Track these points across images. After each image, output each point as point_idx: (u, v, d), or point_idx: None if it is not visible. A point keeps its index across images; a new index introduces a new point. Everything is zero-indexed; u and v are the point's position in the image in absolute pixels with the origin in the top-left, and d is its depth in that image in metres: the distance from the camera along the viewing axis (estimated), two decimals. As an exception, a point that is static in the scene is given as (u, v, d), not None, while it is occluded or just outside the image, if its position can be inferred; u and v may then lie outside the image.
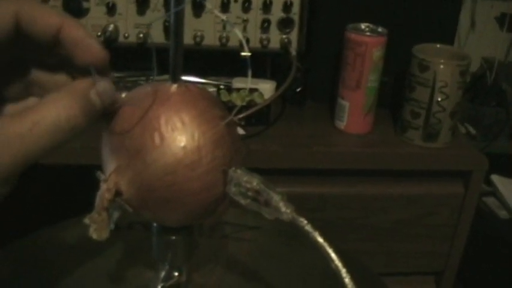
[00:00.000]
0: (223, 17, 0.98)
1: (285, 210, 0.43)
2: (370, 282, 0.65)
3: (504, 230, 1.23)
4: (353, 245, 1.01)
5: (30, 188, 1.13)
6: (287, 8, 1.00)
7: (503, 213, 1.26)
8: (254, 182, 0.44)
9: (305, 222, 0.43)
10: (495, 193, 1.30)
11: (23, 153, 0.38)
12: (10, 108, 0.45)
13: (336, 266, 0.42)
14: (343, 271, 0.42)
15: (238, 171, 0.44)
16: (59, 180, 1.06)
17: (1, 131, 0.38)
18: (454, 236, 1.04)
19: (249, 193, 0.44)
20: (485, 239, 1.25)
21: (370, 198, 1.00)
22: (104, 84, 0.42)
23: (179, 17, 0.43)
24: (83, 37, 0.42)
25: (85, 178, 0.63)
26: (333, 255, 0.42)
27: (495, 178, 1.31)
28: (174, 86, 0.45)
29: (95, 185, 0.44)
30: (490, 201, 1.29)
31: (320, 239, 0.43)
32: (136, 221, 0.65)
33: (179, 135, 0.42)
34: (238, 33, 0.99)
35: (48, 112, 0.39)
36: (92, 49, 0.42)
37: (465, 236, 1.04)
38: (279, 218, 0.43)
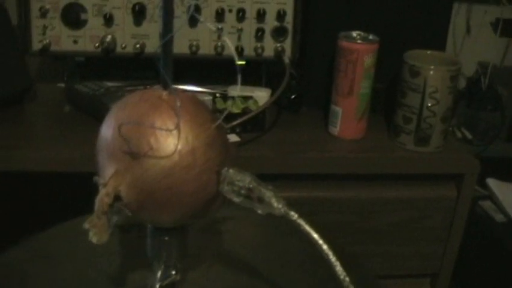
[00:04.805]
0: (213, 27, 1.00)
1: (277, 205, 0.45)
2: (367, 284, 0.67)
3: (500, 233, 1.24)
4: (348, 249, 1.03)
5: (34, 195, 1.15)
6: (280, 17, 1.02)
7: (499, 217, 1.27)
8: (247, 180, 0.46)
9: (296, 215, 0.45)
10: (491, 197, 1.31)
11: None
12: None
13: (326, 255, 0.44)
14: (333, 259, 0.44)
15: (231, 170, 0.46)
16: (59, 188, 1.08)
17: None
18: (448, 239, 1.05)
19: (242, 191, 0.46)
20: (481, 242, 1.26)
21: (364, 202, 1.01)
22: None
23: (168, 26, 0.46)
24: None
25: (85, 186, 0.65)
26: (324, 246, 0.44)
27: (491, 182, 1.33)
28: (165, 93, 0.47)
29: (94, 192, 0.46)
30: (486, 204, 1.30)
31: (311, 230, 0.45)
32: (132, 223, 0.66)
33: (174, 139, 0.44)
34: (228, 42, 1.01)
35: None
36: None
37: (459, 238, 1.06)
38: (271, 212, 0.46)
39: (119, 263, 0.64)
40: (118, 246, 0.66)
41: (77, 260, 0.65)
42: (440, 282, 1.09)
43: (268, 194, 0.46)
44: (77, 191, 0.91)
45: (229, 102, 0.99)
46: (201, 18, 0.99)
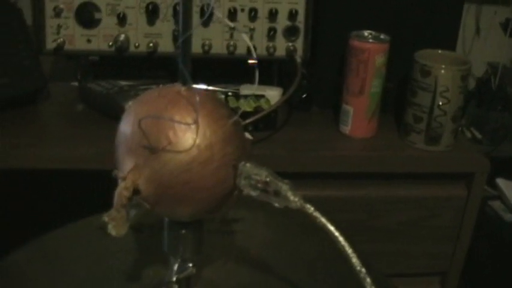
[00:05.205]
0: (231, 24, 1.01)
1: (294, 198, 0.46)
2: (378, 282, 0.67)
3: (509, 233, 1.24)
4: (358, 247, 1.03)
5: (50, 191, 1.16)
6: (292, 16, 1.03)
7: (508, 216, 1.27)
8: (263, 174, 0.47)
9: (312, 208, 0.46)
10: (501, 196, 1.32)
11: None
12: None
13: (343, 247, 0.45)
14: (350, 251, 0.45)
15: (248, 165, 0.47)
16: (73, 185, 1.09)
17: None
18: (458, 238, 1.06)
19: (259, 185, 0.47)
20: (490, 241, 1.27)
21: (375, 200, 1.02)
22: None
23: (187, 24, 0.47)
24: None
25: (99, 182, 0.66)
26: (340, 238, 0.45)
27: (500, 182, 1.33)
28: (183, 89, 0.48)
29: (106, 188, 0.47)
30: (496, 204, 1.31)
31: (327, 222, 0.46)
32: (144, 223, 0.67)
33: (192, 133, 0.45)
34: (246, 38, 1.02)
35: None
36: None
37: (469, 237, 1.06)
38: (288, 206, 0.47)
39: (131, 261, 0.65)
40: (131, 244, 0.66)
41: (87, 262, 0.65)
42: (449, 281, 1.10)
43: (284, 187, 0.47)
44: (89, 188, 0.92)
45: (242, 101, 1.00)
46: (219, 14, 0.99)
